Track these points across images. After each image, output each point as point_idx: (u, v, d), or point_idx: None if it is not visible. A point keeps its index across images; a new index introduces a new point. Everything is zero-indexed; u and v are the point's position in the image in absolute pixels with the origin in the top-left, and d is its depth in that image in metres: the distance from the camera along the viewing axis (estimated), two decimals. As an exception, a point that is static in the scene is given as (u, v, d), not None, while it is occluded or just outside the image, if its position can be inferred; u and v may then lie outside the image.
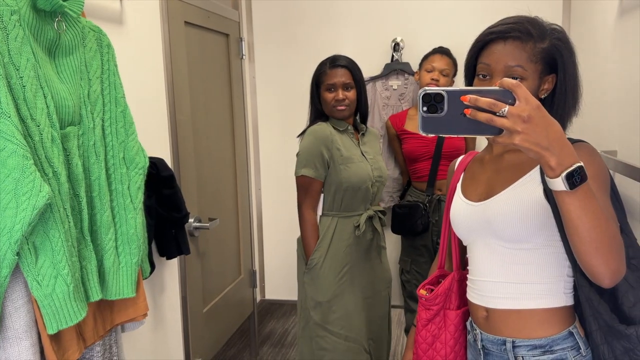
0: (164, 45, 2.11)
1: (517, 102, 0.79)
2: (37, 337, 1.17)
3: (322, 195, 2.13)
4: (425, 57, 2.77)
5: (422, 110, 0.83)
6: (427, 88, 0.84)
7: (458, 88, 0.82)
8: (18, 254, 1.08)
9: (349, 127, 2.13)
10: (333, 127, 2.10)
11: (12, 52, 1.07)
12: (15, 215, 1.04)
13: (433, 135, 0.85)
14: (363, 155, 2.13)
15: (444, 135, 0.94)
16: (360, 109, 2.17)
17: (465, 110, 0.81)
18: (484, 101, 0.79)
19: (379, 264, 2.22)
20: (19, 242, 1.06)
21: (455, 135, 0.85)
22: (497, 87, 0.81)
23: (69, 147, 1.22)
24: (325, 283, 2.08)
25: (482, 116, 0.80)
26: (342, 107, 2.06)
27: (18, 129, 1.05)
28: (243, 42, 2.97)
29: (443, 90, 0.82)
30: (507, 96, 0.80)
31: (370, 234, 2.14)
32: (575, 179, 0.82)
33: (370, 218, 2.13)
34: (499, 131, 0.81)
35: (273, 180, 3.49)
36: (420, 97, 0.83)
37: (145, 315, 1.48)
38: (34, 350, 1.14)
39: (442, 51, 2.73)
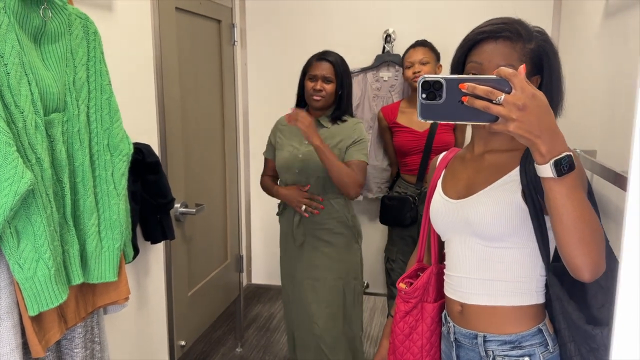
0: (153, 31, 2.11)
1: (513, 90, 0.82)
2: (19, 318, 1.19)
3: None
4: (403, 55, 2.79)
5: (421, 97, 0.85)
6: (426, 76, 0.86)
7: (456, 76, 0.85)
8: (0, 237, 1.10)
9: None
10: None
11: (-4, 39, 1.09)
12: (-3, 200, 1.06)
13: (431, 121, 0.88)
14: (304, 144, 2.22)
15: (441, 122, 0.96)
16: (339, 104, 2.24)
17: (463, 97, 0.83)
18: (482, 89, 0.82)
19: (321, 253, 2.25)
20: (0, 226, 1.08)
21: (452, 122, 0.88)
22: (494, 76, 0.83)
23: (53, 134, 1.24)
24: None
25: (479, 104, 0.82)
26: (318, 97, 2.21)
27: (1, 115, 1.06)
28: (235, 28, 2.97)
29: (442, 78, 0.85)
30: (504, 85, 0.82)
31: (298, 217, 2.25)
32: (564, 166, 0.85)
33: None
34: (494, 118, 0.84)
35: (262, 167, 3.50)
36: (420, 84, 0.86)
37: (126, 299, 1.51)
38: (15, 330, 1.17)
39: (417, 44, 2.74)
